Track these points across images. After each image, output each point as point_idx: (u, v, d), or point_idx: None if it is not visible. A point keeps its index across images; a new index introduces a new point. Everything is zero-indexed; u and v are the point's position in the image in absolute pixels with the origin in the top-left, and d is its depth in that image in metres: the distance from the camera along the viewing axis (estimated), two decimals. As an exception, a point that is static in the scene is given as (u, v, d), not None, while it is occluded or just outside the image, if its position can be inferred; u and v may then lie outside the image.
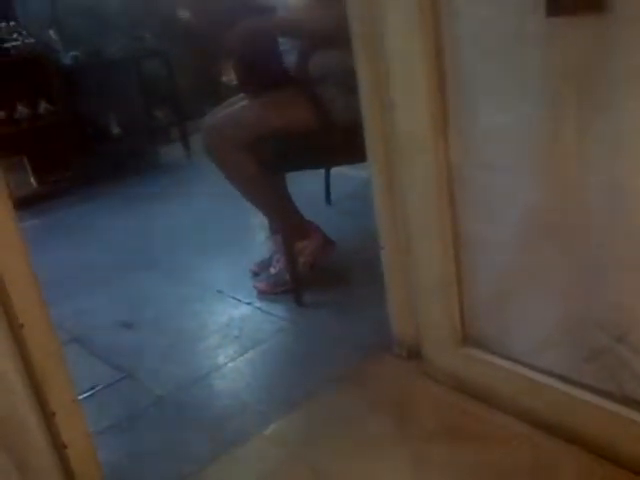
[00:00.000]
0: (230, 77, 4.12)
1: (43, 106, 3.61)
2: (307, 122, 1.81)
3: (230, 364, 1.72)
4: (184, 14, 4.26)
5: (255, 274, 2.16)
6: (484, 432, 1.31)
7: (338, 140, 1.79)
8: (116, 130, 3.93)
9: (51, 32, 3.71)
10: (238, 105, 1.99)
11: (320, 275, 2.07)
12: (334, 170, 2.68)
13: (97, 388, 1.68)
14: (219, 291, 2.14)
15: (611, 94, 0.99)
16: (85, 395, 1.63)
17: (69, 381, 1.14)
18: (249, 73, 1.95)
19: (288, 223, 1.97)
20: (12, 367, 1.06)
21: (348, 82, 1.46)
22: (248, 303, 2.03)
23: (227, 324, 1.93)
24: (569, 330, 1.19)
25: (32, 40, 3.56)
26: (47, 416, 1.12)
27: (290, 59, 1.87)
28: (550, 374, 1.24)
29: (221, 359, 1.75)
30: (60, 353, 1.13)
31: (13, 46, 3.49)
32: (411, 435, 1.35)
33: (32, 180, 3.64)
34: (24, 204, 3.16)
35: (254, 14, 1.89)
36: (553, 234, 1.16)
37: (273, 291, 2.04)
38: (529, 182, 1.16)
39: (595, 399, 1.17)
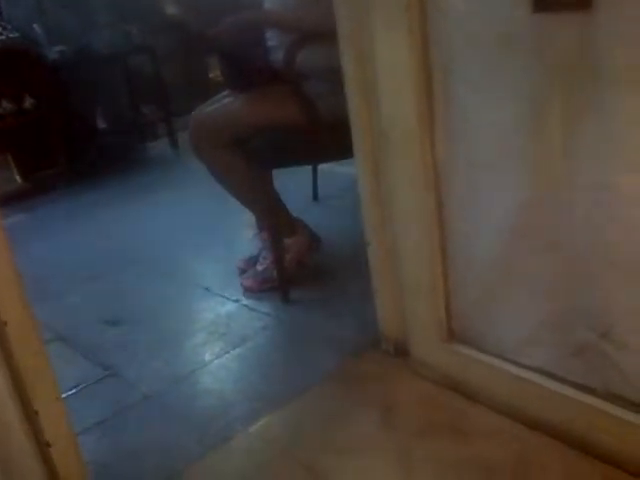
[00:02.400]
0: (217, 73, 4.10)
1: (28, 101, 3.56)
2: (294, 118, 1.81)
3: (216, 361, 1.72)
4: (171, 9, 4.24)
5: (242, 271, 2.15)
6: (470, 428, 1.32)
7: (325, 137, 1.79)
8: (102, 126, 3.90)
9: (35, 26, 3.67)
10: (225, 101, 1.98)
11: (307, 272, 2.07)
12: (321, 167, 2.67)
13: (81, 386, 1.67)
14: (206, 288, 2.14)
15: (598, 91, 0.99)
16: (69, 393, 1.62)
17: (53, 379, 1.13)
18: (235, 69, 1.94)
19: (275, 220, 1.97)
20: (-6, 365, 1.05)
21: (335, 78, 1.45)
22: (235, 300, 2.02)
23: (214, 321, 1.92)
24: (554, 327, 1.20)
25: (17, 34, 3.52)
26: (30, 415, 1.11)
27: (277, 55, 1.86)
28: (535, 370, 1.25)
29: (207, 356, 1.74)
30: (43, 351, 1.11)
31: (-3, 40, 3.45)
32: (398, 431, 1.35)
33: (16, 176, 3.60)
34: (8, 200, 3.13)
35: (241, 8, 1.88)
36: (539, 232, 1.16)
37: (260, 288, 2.04)
38: (515, 180, 1.17)
39: (580, 395, 1.17)
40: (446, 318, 1.39)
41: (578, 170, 1.06)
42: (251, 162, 1.86)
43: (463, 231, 1.30)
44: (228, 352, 1.75)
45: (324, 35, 1.49)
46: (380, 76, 1.29)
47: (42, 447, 1.13)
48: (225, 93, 2.05)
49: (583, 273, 1.12)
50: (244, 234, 2.49)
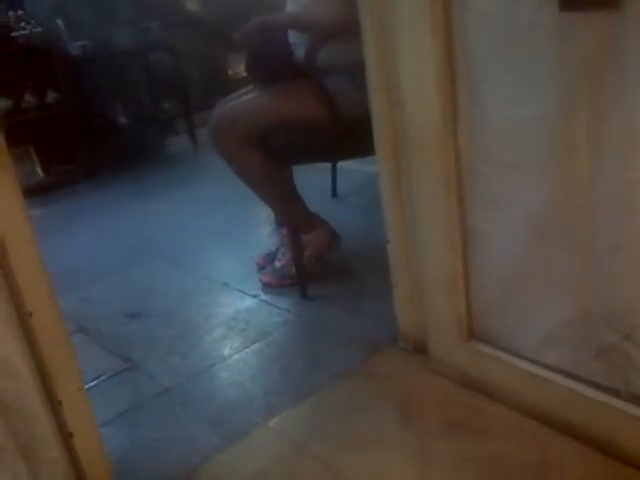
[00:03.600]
0: (236, 70, 4.12)
1: (50, 96, 3.60)
2: (315, 114, 1.81)
3: (235, 356, 1.73)
4: (191, 6, 4.26)
5: (261, 267, 2.16)
6: (489, 427, 1.31)
7: (346, 133, 1.78)
8: (123, 121, 3.93)
9: (59, 21, 3.70)
10: (246, 97, 1.98)
11: (326, 269, 2.07)
12: (340, 164, 2.67)
13: (102, 378, 1.69)
14: (225, 283, 2.15)
15: (624, 91, 0.98)
16: (90, 385, 1.64)
17: (76, 370, 1.15)
18: (259, 63, 1.94)
19: (294, 216, 1.97)
20: (20, 355, 1.07)
21: (357, 75, 1.45)
22: (254, 296, 2.03)
23: (233, 316, 1.93)
24: (576, 326, 1.19)
25: (40, 29, 3.56)
26: (54, 405, 1.12)
27: (300, 52, 1.86)
28: (556, 370, 1.24)
29: (227, 351, 1.75)
30: (68, 342, 1.13)
31: (21, 35, 3.49)
32: (416, 429, 1.35)
33: (39, 170, 3.64)
34: (30, 193, 3.17)
35: (262, 5, 1.88)
36: (561, 231, 1.15)
37: (278, 284, 2.04)
38: (538, 179, 1.16)
39: (601, 396, 1.17)
40: (466, 316, 1.38)
41: (602, 170, 1.05)
42: (271, 158, 1.86)
43: (484, 230, 1.29)
44: (247, 347, 1.76)
45: (347, 31, 1.48)
46: (403, 73, 1.29)
47: (65, 437, 1.14)
48: (246, 89, 2.05)
49: (606, 274, 1.11)
50: (263, 230, 2.50)
